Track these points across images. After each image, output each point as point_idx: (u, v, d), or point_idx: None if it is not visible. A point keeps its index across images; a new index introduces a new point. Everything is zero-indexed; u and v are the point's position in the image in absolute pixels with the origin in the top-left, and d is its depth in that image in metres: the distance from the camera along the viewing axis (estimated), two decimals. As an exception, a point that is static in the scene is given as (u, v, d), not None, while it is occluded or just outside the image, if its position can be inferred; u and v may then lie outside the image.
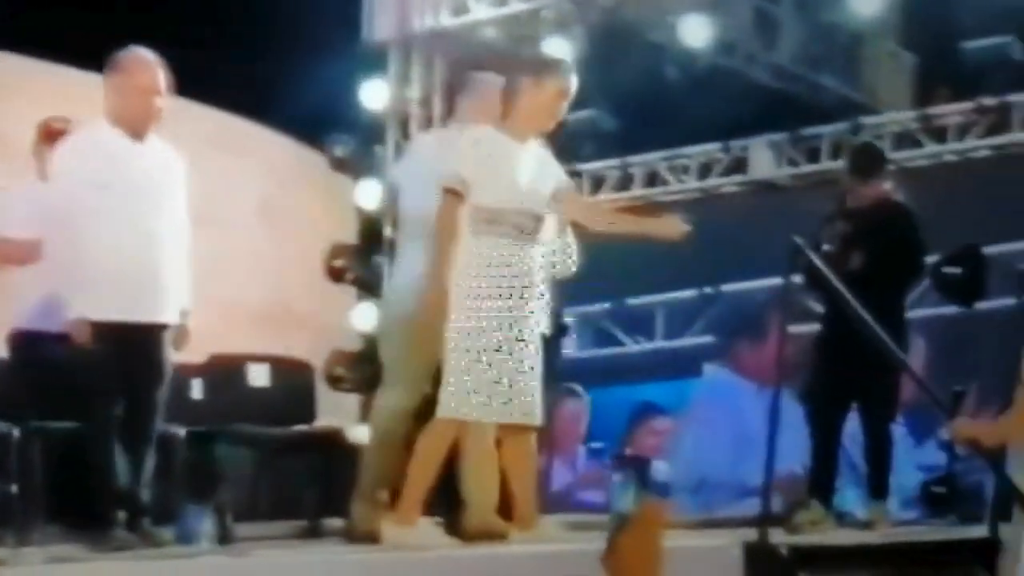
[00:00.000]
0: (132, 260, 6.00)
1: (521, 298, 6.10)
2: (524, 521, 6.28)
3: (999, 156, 11.99)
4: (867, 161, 8.11)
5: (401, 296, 6.63)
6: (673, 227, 6.18)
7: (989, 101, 11.95)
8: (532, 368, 6.16)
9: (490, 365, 6.04)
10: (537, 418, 6.21)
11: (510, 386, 6.08)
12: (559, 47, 12.15)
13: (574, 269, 7.00)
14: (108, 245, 5.95)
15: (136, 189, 6.01)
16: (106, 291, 5.97)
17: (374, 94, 12.28)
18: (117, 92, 6.04)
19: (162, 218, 6.12)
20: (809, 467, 8.12)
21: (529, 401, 6.16)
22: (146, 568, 5.66)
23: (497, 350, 6.05)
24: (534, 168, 6.24)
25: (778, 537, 6.16)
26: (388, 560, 5.72)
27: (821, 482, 7.94)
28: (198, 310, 6.49)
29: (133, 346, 6.06)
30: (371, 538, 6.22)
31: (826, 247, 7.53)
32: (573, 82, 6.26)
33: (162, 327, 6.25)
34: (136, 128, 6.06)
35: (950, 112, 12.24)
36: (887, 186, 7.97)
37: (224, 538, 6.59)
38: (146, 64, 6.05)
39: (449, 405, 6.10)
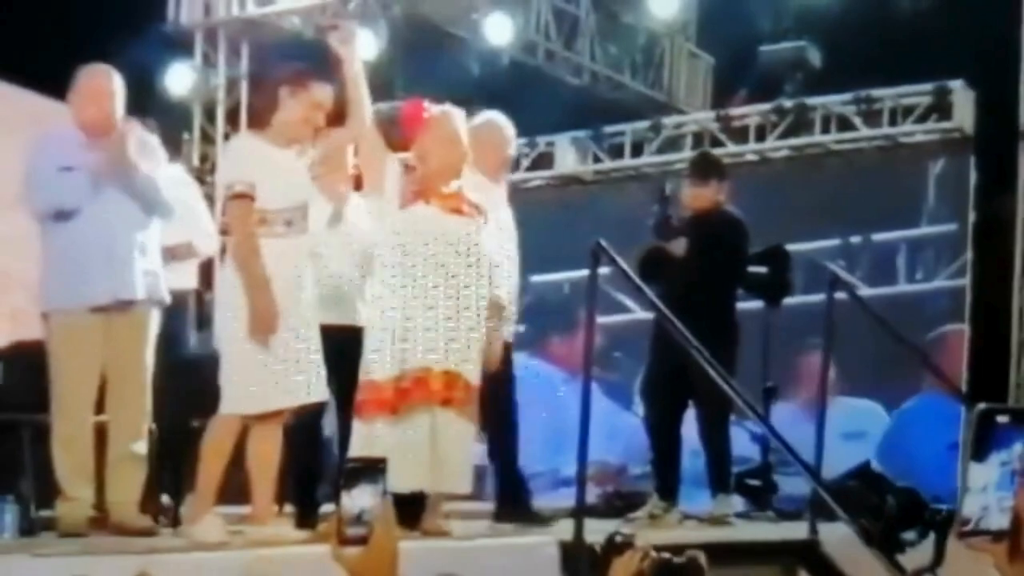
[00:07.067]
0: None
1: (296, 288, 5.90)
2: (258, 517, 5.92)
3: (798, 156, 12.33)
4: (703, 167, 8.26)
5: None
6: None
7: (787, 103, 12.26)
8: (309, 351, 5.94)
9: (263, 358, 5.80)
10: (301, 398, 5.94)
11: (284, 374, 5.84)
12: (363, 38, 12.22)
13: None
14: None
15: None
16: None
17: (179, 79, 12.08)
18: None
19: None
20: (651, 463, 8.11)
21: (299, 380, 5.90)
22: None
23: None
24: (298, 169, 6.04)
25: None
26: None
27: (663, 477, 7.89)
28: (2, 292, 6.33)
29: None
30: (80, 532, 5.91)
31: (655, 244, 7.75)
32: (328, 93, 6.04)
33: None
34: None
35: (749, 113, 12.54)
36: (721, 195, 8.09)
37: (28, 530, 6.23)
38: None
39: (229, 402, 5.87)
